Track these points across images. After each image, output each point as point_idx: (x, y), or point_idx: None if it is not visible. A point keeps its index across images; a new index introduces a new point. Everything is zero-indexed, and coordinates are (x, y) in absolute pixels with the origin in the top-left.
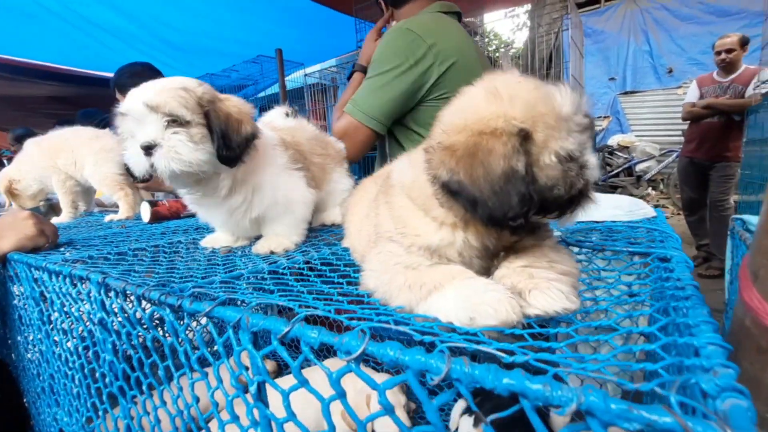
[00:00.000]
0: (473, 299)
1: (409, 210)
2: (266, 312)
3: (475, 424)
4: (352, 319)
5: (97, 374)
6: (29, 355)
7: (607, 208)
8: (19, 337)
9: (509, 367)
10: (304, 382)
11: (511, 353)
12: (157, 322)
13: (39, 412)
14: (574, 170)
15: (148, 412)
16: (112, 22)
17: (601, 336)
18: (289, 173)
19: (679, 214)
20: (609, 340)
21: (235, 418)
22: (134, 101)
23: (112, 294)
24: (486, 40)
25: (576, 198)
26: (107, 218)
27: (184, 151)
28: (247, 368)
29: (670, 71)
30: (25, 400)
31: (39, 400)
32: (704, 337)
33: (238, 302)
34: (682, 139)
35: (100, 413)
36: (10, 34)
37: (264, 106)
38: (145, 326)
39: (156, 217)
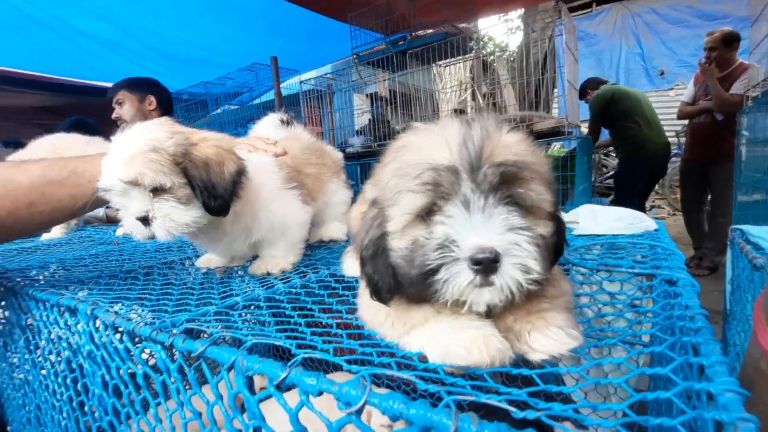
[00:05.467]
0: (446, 339)
1: None
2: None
3: None
4: (351, 362)
5: (86, 408)
6: (14, 383)
7: (606, 220)
8: (3, 364)
9: (521, 424)
10: (302, 431)
11: (522, 407)
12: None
13: None
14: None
15: None
16: (101, 32)
17: (612, 379)
18: (283, 195)
19: (674, 214)
20: (622, 383)
21: None
22: (111, 178)
23: (101, 325)
24: (480, 44)
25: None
26: (119, 231)
27: (177, 215)
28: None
29: (662, 73)
30: (9, 429)
31: (24, 430)
32: (720, 381)
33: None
34: (675, 140)
35: None
36: None
37: (259, 115)
38: (136, 362)
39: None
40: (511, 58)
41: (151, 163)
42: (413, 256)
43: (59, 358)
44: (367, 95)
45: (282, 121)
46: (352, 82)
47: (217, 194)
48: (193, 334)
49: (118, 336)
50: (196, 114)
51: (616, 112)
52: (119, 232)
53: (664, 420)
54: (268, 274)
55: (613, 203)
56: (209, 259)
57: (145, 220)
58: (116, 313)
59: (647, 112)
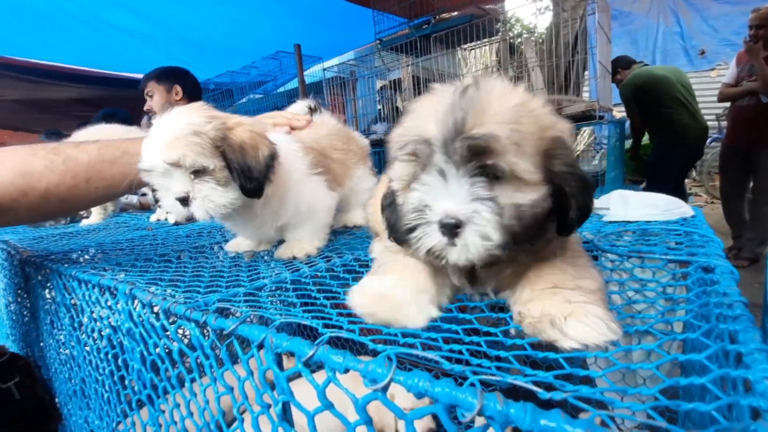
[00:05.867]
0: (368, 289)
1: None
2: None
3: None
4: (376, 341)
5: (126, 381)
6: (61, 358)
7: (640, 206)
8: (50, 341)
9: (547, 404)
10: (329, 406)
11: (549, 388)
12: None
13: (70, 414)
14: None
15: (175, 421)
16: (131, 24)
17: (643, 365)
18: (310, 180)
19: (712, 202)
20: (653, 370)
21: None
22: (154, 159)
23: (138, 305)
24: (507, 26)
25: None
26: (153, 218)
27: (216, 197)
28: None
29: (702, 53)
30: (57, 401)
31: (71, 402)
32: (760, 369)
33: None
34: (715, 124)
35: (130, 419)
36: (34, 39)
37: (283, 103)
38: (171, 339)
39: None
40: (540, 40)
41: (193, 145)
42: (401, 215)
43: (101, 335)
44: (389, 81)
45: (310, 108)
46: (375, 68)
47: (253, 177)
48: (224, 313)
49: (154, 314)
50: (223, 104)
51: (647, 99)
52: (153, 218)
53: (698, 405)
54: (294, 258)
55: (647, 189)
56: (238, 243)
57: (184, 201)
58: (153, 293)
59: (683, 95)
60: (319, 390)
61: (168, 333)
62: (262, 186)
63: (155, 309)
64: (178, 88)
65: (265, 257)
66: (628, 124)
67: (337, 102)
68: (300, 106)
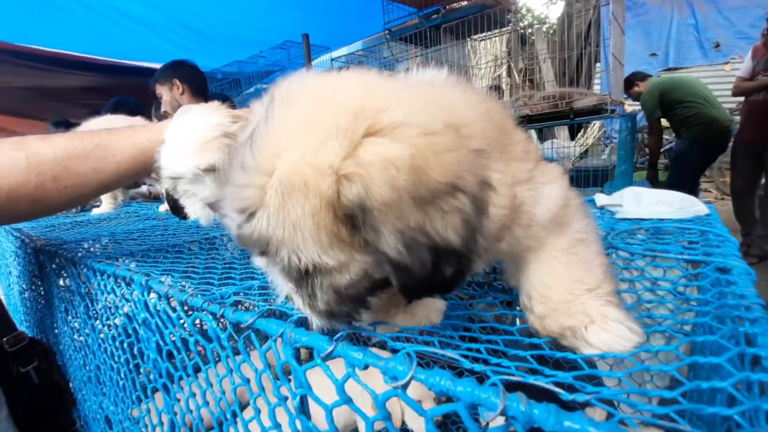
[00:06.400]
0: None
1: None
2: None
3: None
4: (395, 339)
5: (142, 370)
6: (75, 345)
7: (652, 203)
8: (65, 328)
9: (570, 406)
10: (347, 401)
11: (571, 390)
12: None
13: (84, 399)
14: None
15: (191, 410)
16: (140, 13)
17: (662, 366)
18: None
19: (722, 198)
20: (672, 372)
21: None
22: (184, 166)
23: (155, 296)
24: (518, 16)
25: None
26: (162, 207)
27: None
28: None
29: (717, 46)
30: (71, 386)
31: (85, 387)
32: None
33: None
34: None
35: (145, 407)
36: (44, 26)
37: None
38: (188, 330)
39: None
40: (551, 31)
41: (225, 148)
42: None
43: (116, 324)
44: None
45: None
46: (384, 59)
47: None
48: (240, 306)
49: (171, 306)
50: (230, 93)
51: (671, 100)
52: (162, 208)
53: (720, 410)
54: None
55: (667, 185)
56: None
57: (215, 205)
58: (169, 284)
59: (705, 93)
60: (338, 384)
61: (185, 324)
62: None
63: (172, 302)
64: (178, 82)
65: None
66: (641, 119)
67: None
68: None
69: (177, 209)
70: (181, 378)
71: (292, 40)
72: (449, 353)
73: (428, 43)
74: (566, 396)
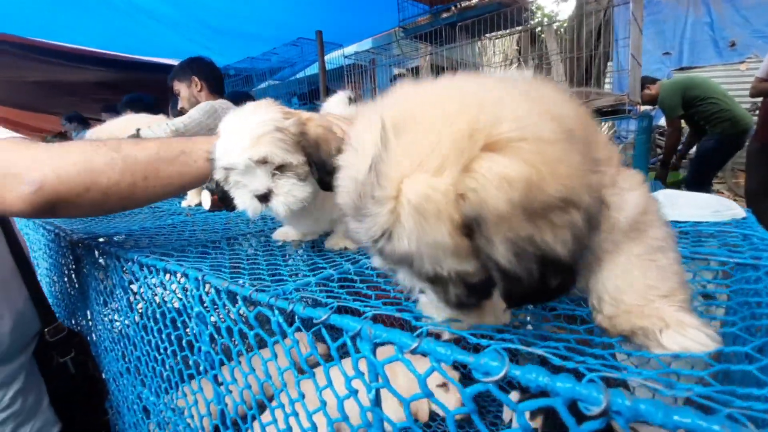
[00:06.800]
0: None
1: None
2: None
3: (532, 417)
4: (477, 336)
5: (190, 362)
6: (113, 337)
7: (688, 206)
8: (101, 319)
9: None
10: (429, 395)
11: (669, 387)
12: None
13: (120, 390)
14: None
15: (245, 401)
16: (155, 7)
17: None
18: None
19: (735, 200)
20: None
21: (345, 418)
22: (238, 157)
23: (211, 290)
24: (528, 14)
25: None
26: (185, 203)
27: (298, 191)
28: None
29: (733, 45)
30: (104, 376)
31: (121, 378)
32: None
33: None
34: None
35: (193, 398)
36: (58, 21)
37: (302, 90)
38: (247, 324)
39: (216, 206)
40: (561, 29)
41: (278, 141)
42: None
43: (162, 317)
44: (408, 69)
45: (350, 99)
46: (396, 57)
47: (328, 170)
48: (308, 301)
49: (230, 300)
50: (242, 89)
51: (693, 97)
52: (184, 203)
53: None
54: (345, 249)
55: (689, 184)
56: (286, 233)
57: (264, 197)
58: (224, 278)
59: (723, 91)
60: (421, 379)
61: (244, 318)
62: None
63: (238, 297)
64: (196, 80)
65: (318, 245)
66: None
67: (356, 90)
68: (341, 97)
69: (226, 200)
70: (235, 368)
71: (305, 36)
72: (538, 350)
73: (443, 41)
74: (664, 393)
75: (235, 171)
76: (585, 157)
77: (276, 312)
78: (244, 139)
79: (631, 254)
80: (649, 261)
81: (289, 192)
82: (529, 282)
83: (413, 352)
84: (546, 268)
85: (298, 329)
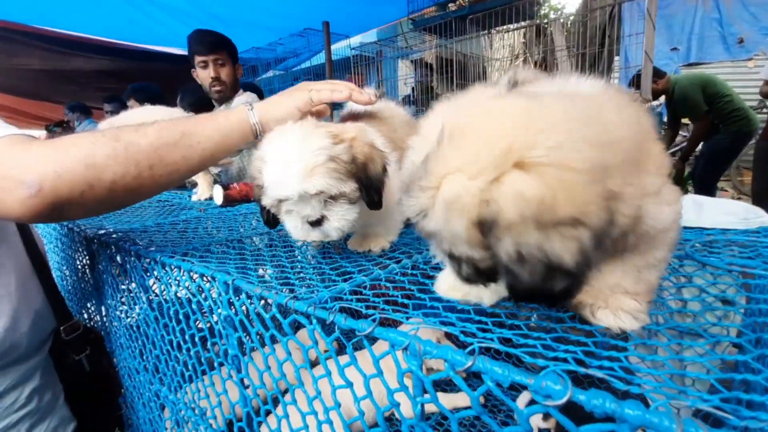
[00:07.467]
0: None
1: None
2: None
3: (545, 417)
4: (531, 353)
5: (215, 364)
6: (130, 334)
7: (714, 213)
8: (117, 316)
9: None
10: (482, 413)
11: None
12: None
13: (135, 387)
14: None
15: (271, 400)
16: None
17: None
18: (395, 176)
19: (739, 198)
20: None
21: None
22: (292, 190)
23: (242, 294)
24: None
25: None
26: (194, 197)
27: (349, 215)
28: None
29: (741, 41)
30: (119, 373)
31: (138, 375)
32: None
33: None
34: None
35: (217, 399)
36: (60, 8)
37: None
38: (281, 330)
39: (228, 201)
40: (568, 23)
41: (332, 172)
42: None
43: (186, 317)
44: (412, 61)
45: (375, 97)
46: (403, 49)
47: (376, 189)
48: (348, 311)
49: (262, 306)
50: (247, 79)
51: (713, 94)
52: (194, 198)
53: None
54: (370, 251)
55: (699, 181)
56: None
57: (317, 223)
58: (252, 282)
59: (732, 89)
60: (473, 397)
61: (279, 324)
62: (381, 197)
63: (269, 302)
64: (240, 69)
65: (342, 247)
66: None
67: (361, 82)
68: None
69: (271, 222)
70: (264, 373)
71: (312, 27)
72: (600, 374)
73: (453, 33)
74: (736, 422)
75: (289, 202)
76: (622, 180)
77: (314, 321)
78: (298, 170)
79: (628, 263)
80: (637, 273)
81: (343, 216)
82: (530, 281)
83: (467, 370)
84: (550, 272)
85: (336, 339)
